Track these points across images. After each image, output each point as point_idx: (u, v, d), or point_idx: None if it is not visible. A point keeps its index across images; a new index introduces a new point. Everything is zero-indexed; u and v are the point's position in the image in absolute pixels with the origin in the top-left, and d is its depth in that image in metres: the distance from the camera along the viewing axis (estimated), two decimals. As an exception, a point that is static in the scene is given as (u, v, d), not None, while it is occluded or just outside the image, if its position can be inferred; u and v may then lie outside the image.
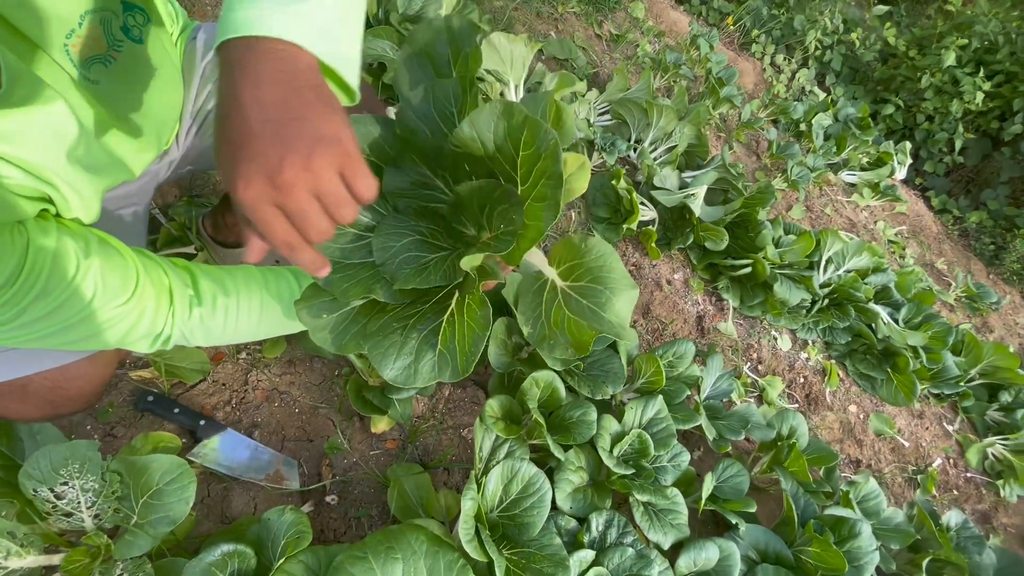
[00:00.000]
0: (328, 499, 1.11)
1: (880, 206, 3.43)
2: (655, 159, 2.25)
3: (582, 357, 1.43)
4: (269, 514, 0.91)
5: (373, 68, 1.77)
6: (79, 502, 0.79)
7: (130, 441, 0.91)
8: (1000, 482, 2.24)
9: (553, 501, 1.18)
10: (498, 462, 1.14)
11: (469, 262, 0.65)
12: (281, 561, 0.86)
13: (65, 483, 0.78)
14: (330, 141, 0.46)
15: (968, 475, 2.26)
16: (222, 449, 1.05)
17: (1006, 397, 2.42)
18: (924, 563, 1.53)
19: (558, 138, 0.60)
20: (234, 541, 0.89)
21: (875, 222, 3.27)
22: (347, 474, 1.15)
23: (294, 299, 0.78)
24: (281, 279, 0.78)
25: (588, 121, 2.17)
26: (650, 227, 2.00)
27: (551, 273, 0.72)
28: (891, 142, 3.51)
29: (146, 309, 0.64)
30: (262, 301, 0.75)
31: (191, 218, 1.27)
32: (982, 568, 1.62)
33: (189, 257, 1.22)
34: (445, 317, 0.70)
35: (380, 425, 1.21)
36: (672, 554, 1.23)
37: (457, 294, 0.71)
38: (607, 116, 2.31)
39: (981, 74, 3.57)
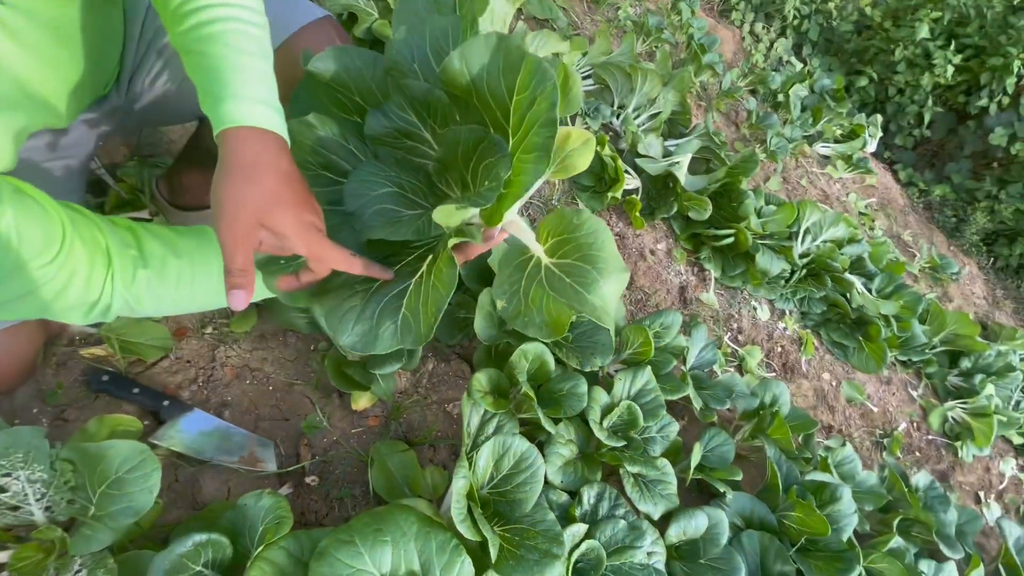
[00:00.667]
0: (308, 480, 1.04)
1: (852, 178, 3.48)
2: (639, 126, 2.19)
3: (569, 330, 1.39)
4: (245, 499, 0.85)
5: (343, 19, 1.63)
6: (26, 494, 0.71)
7: (84, 425, 0.82)
8: (958, 443, 2.35)
9: (544, 475, 1.15)
10: (487, 437, 1.09)
11: (443, 215, 0.58)
12: (260, 549, 0.80)
13: (8, 474, 0.69)
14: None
15: (930, 437, 2.36)
16: (189, 431, 0.97)
17: (966, 363, 2.52)
18: (895, 522, 1.58)
19: (556, 82, 0.53)
20: (207, 529, 0.82)
21: (847, 194, 3.32)
22: (327, 454, 1.09)
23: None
24: None
25: (571, 85, 2.08)
26: (634, 196, 1.96)
27: (538, 249, 0.65)
28: (863, 115, 3.55)
29: (76, 271, 0.55)
30: (219, 263, 0.66)
31: (143, 180, 1.15)
32: (946, 524, 1.69)
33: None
34: (414, 280, 0.63)
35: (361, 402, 1.15)
36: (662, 524, 1.23)
37: (431, 257, 0.64)
38: (589, 80, 2.23)
39: (952, 47, 3.62)
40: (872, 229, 3.27)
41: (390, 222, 0.63)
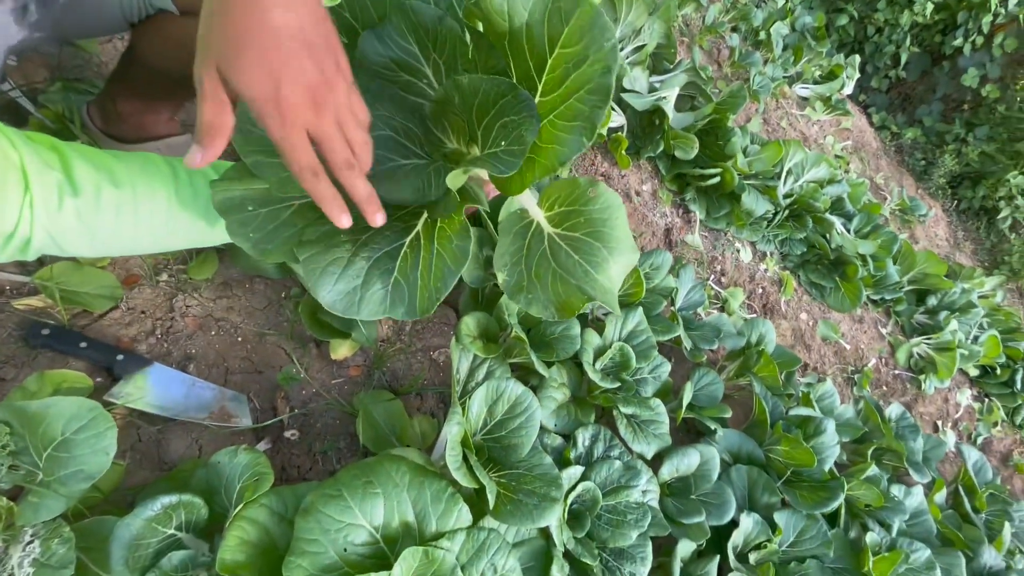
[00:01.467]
0: (288, 435, 0.97)
1: (829, 121, 3.45)
2: (624, 59, 2.06)
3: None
4: (219, 456, 0.77)
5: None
6: (-44, 461, 0.61)
7: (22, 383, 0.72)
8: (922, 377, 2.46)
9: (538, 420, 1.11)
10: (478, 384, 1.04)
11: (455, 180, 0.51)
12: (240, 508, 0.73)
13: (-70, 440, 0.59)
14: (347, 78, 0.48)
15: (896, 372, 2.46)
16: (150, 387, 0.87)
17: (932, 301, 2.60)
18: (869, 452, 1.64)
19: (616, 42, 0.45)
20: (178, 490, 0.74)
21: (824, 137, 3.30)
22: (307, 406, 1.01)
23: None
24: (195, 170, 0.58)
25: (551, 11, 1.93)
26: (620, 133, 1.86)
27: (538, 214, 0.58)
28: (842, 55, 3.48)
29: None
30: (168, 196, 0.56)
31: (70, 106, 0.99)
32: (915, 452, 1.77)
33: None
34: (408, 240, 0.56)
35: (341, 351, 1.07)
36: (655, 463, 1.22)
37: (426, 214, 0.57)
38: (570, 8, 2.07)
39: (933, -17, 3.55)
40: (847, 172, 3.27)
41: (388, 174, 0.54)
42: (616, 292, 0.56)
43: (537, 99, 0.51)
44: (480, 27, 0.52)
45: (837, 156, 3.31)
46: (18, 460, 0.65)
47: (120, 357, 0.87)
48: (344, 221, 0.48)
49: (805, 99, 3.39)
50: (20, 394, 0.70)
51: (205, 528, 0.73)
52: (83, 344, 0.85)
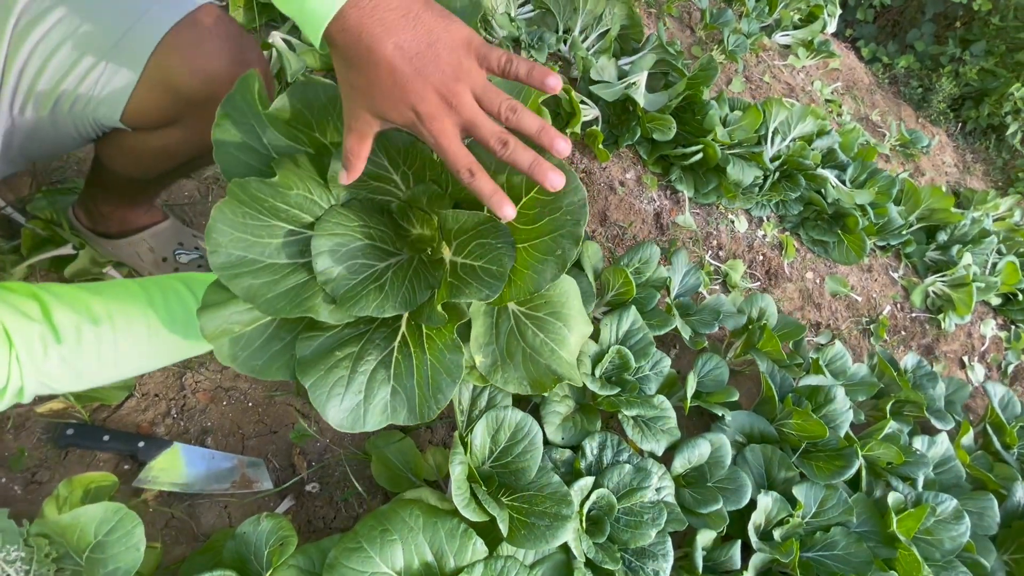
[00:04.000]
0: (309, 488, 1.03)
1: (815, 65, 3.35)
2: (588, 49, 2.04)
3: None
4: (243, 527, 0.83)
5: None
6: (8, 574, 0.68)
7: (54, 492, 0.78)
8: (940, 316, 2.42)
9: (544, 437, 1.15)
10: (481, 411, 1.08)
11: (441, 299, 0.56)
12: (269, 573, 0.79)
13: (-18, 561, 0.65)
14: (462, 45, 0.49)
15: (913, 315, 2.42)
16: (173, 467, 0.93)
17: (943, 236, 2.55)
18: (887, 407, 1.64)
19: (585, 198, 0.52)
20: (212, 565, 0.80)
21: (812, 83, 3.21)
22: (323, 458, 1.07)
23: (189, 315, 0.63)
24: (168, 291, 0.62)
25: (509, 16, 1.91)
26: (594, 127, 1.85)
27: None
28: (820, -7, 3.36)
29: None
30: (148, 324, 0.60)
31: (58, 211, 1.05)
32: (935, 399, 1.76)
33: (67, 261, 1.01)
34: (396, 343, 0.59)
35: (347, 400, 1.11)
36: (667, 457, 1.25)
37: (407, 314, 0.60)
38: (529, 7, 2.05)
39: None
40: (840, 115, 3.19)
41: (373, 290, 0.57)
42: (575, 364, 0.63)
43: (518, 227, 0.56)
44: None
45: (828, 100, 3.22)
46: (62, 564, 0.71)
47: (142, 443, 0.93)
48: (508, 212, 0.50)
49: (787, 47, 3.29)
50: (53, 503, 0.76)
51: (242, 596, 0.79)
52: (106, 437, 0.92)
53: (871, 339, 2.25)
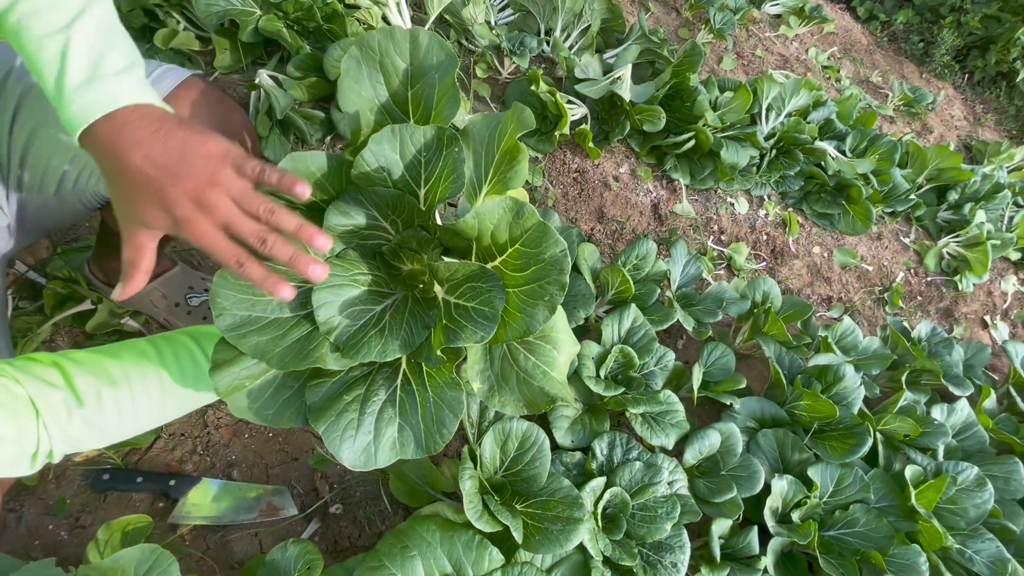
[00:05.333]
0: (333, 510, 1.08)
1: (809, 32, 3.29)
2: (571, 47, 2.05)
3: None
4: (272, 554, 0.88)
5: (224, 27, 1.49)
6: (62, 617, 0.74)
7: (94, 538, 0.84)
8: (957, 277, 2.37)
9: (554, 442, 1.18)
10: (490, 422, 1.11)
11: (439, 344, 0.60)
12: (300, 596, 0.84)
13: (36, 607, 0.71)
14: (218, 157, 0.52)
15: (928, 279, 2.38)
16: (203, 501, 0.99)
17: (953, 196, 2.49)
18: (903, 378, 1.63)
19: (567, 249, 0.57)
20: (246, 592, 0.86)
21: (807, 51, 3.15)
22: (344, 480, 1.12)
23: (198, 369, 0.68)
24: (178, 347, 0.67)
25: (489, 24, 1.93)
26: (583, 126, 1.86)
27: None
28: (808, -44, 3.28)
29: (3, 434, 0.53)
30: (161, 381, 0.64)
31: (75, 269, 1.11)
32: (952, 365, 1.74)
33: (88, 315, 1.07)
34: (399, 382, 0.63)
35: (361, 422, 1.16)
36: (679, 449, 1.27)
37: (404, 356, 0.63)
38: (508, 12, 2.06)
39: None
40: (839, 81, 3.13)
41: (374, 335, 0.61)
42: (566, 382, 0.66)
43: (507, 274, 0.60)
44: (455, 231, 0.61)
45: (825, 67, 3.16)
46: (110, 603, 0.77)
47: (172, 482, 0.99)
48: (286, 293, 0.52)
49: (778, 17, 3.23)
50: (95, 548, 0.83)
51: (276, 619, 0.84)
52: (139, 479, 0.98)
53: (886, 308, 2.22)
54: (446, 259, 0.61)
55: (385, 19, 1.72)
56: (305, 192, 0.52)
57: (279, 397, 0.62)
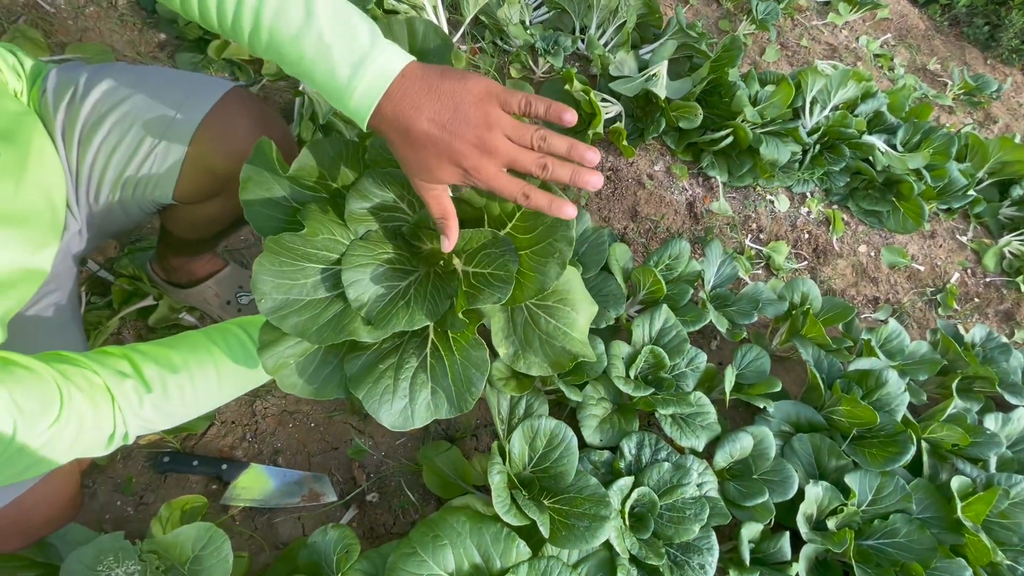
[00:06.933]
0: (369, 498, 1.14)
1: (860, 19, 3.13)
2: (606, 45, 2.03)
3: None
4: (313, 537, 0.94)
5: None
6: (130, 585, 0.82)
7: (157, 514, 0.92)
8: (1020, 279, 2.23)
9: (582, 440, 1.20)
10: (520, 419, 1.14)
11: (461, 307, 0.63)
12: (338, 577, 0.89)
13: (109, 574, 0.79)
14: (484, 98, 0.55)
15: (987, 280, 2.25)
16: (252, 485, 1.06)
17: (1018, 191, 2.34)
18: (954, 384, 1.56)
19: (573, 237, 0.61)
20: (290, 570, 0.92)
21: (857, 39, 3.01)
22: (380, 470, 1.17)
23: (248, 353, 0.73)
24: (229, 335, 0.73)
25: (524, 23, 1.94)
26: (618, 124, 1.86)
27: None
28: (861, -61, 3.13)
29: (84, 418, 0.59)
30: (216, 366, 0.70)
31: (138, 267, 1.20)
32: (1009, 372, 1.64)
33: (150, 310, 1.16)
34: (428, 350, 0.67)
35: (397, 415, 1.21)
36: (709, 451, 1.26)
37: (433, 323, 0.67)
38: (543, 10, 2.07)
39: None
40: (892, 70, 2.97)
41: (400, 308, 0.64)
42: (587, 342, 0.68)
43: (517, 238, 0.64)
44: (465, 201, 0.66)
45: (877, 55, 3.01)
46: (171, 574, 0.84)
47: (224, 466, 1.07)
48: (569, 212, 0.58)
49: (826, 4, 3.10)
50: (158, 523, 0.91)
51: (317, 598, 0.90)
52: (195, 462, 1.06)
53: (938, 310, 2.12)
54: (462, 230, 0.64)
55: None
56: (572, 118, 0.56)
57: (322, 372, 0.66)
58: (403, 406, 0.64)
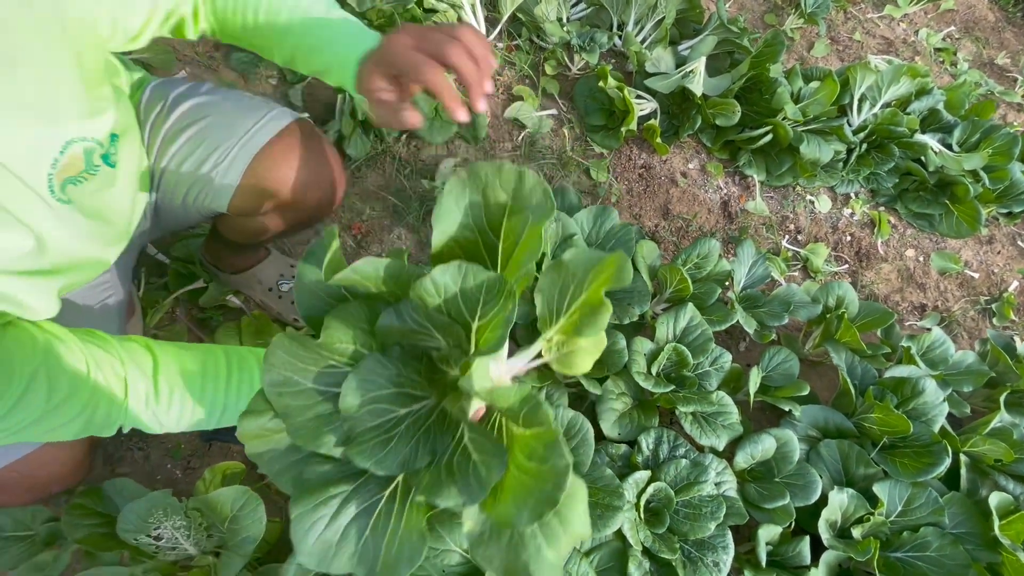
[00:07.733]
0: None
1: (921, 10, 2.97)
2: (644, 41, 2.02)
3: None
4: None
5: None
6: (177, 538, 0.90)
7: (201, 476, 1.01)
8: (1088, 289, 2.08)
9: (600, 432, 1.22)
10: (539, 409, 1.17)
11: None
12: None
13: (158, 527, 0.88)
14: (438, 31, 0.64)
15: (1051, 290, 2.11)
16: (287, 457, 1.14)
17: (1090, 196, 2.17)
18: (1002, 397, 1.48)
19: (570, 465, 0.46)
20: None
21: (916, 32, 2.85)
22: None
23: (253, 390, 0.76)
24: (244, 373, 0.77)
25: (560, 22, 1.96)
26: (652, 121, 1.85)
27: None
28: (925, -74, 2.95)
29: (99, 403, 0.65)
30: (214, 406, 0.75)
31: (192, 252, 1.30)
32: (1068, 388, 1.54)
33: (201, 292, 1.26)
34: (385, 496, 0.56)
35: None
36: (730, 451, 1.26)
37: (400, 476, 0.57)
38: (581, 6, 2.07)
39: None
40: (954, 65, 2.80)
41: (382, 434, 0.56)
42: (561, 567, 0.52)
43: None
44: None
45: (938, 49, 2.84)
46: (211, 531, 0.92)
47: (263, 438, 1.15)
48: (461, 115, 0.62)
49: (884, -5, 2.95)
50: (202, 485, 0.99)
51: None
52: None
53: (993, 320, 2.00)
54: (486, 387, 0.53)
55: (460, 20, 1.81)
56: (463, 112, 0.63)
57: (287, 458, 0.59)
58: (328, 545, 0.52)
